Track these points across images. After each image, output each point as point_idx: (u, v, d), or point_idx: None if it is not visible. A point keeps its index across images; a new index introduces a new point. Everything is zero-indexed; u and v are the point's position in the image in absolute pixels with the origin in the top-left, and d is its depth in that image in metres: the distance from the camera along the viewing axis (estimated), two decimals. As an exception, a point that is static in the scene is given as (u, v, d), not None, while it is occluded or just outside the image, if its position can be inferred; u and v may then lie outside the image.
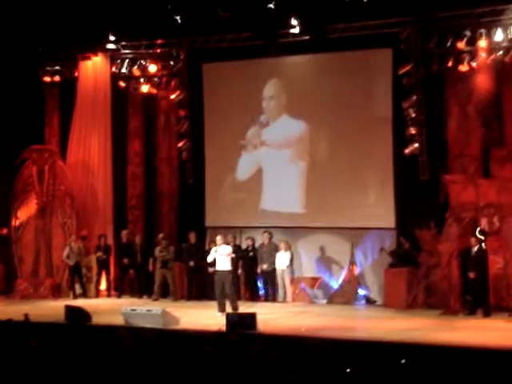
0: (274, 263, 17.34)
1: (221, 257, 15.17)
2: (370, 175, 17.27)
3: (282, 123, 18.16)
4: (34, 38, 18.64)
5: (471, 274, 14.84)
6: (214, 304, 16.60)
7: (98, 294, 18.41)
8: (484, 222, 15.19)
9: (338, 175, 17.59)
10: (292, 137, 18.03)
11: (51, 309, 15.84)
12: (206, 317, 14.93)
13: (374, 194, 17.16)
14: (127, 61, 19.09)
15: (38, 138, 19.59)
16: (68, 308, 14.36)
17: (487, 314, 14.63)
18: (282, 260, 17.28)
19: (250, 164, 18.41)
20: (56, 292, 18.47)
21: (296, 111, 17.97)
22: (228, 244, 15.88)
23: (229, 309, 14.98)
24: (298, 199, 17.91)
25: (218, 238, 15.41)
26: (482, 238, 15.07)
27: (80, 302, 16.04)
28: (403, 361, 8.69)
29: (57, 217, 18.89)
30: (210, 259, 15.53)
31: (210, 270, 17.34)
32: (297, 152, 17.98)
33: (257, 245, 17.66)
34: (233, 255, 15.59)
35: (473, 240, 14.92)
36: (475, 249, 14.90)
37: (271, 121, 18.23)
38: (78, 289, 18.26)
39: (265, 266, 17.41)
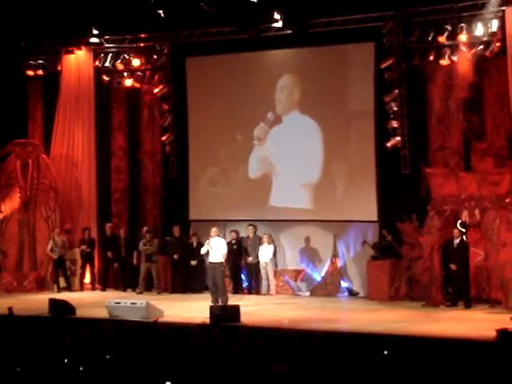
0: (258, 256, 17.46)
1: (214, 249, 15.22)
2: (353, 168, 17.37)
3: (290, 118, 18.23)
4: (17, 31, 18.56)
5: (453, 266, 14.97)
6: (198, 296, 16.73)
7: (82, 288, 18.39)
8: (465, 215, 15.29)
9: (321, 168, 17.68)
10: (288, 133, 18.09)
11: (35, 302, 15.83)
12: (190, 309, 14.99)
13: (357, 186, 17.25)
14: (111, 55, 19.05)
15: (22, 132, 19.54)
16: (52, 301, 14.37)
17: (468, 305, 14.78)
18: (265, 253, 17.38)
19: (256, 160, 18.38)
20: (40, 285, 18.44)
21: (278, 107, 18.05)
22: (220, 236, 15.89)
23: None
24: (281, 192, 17.97)
25: (213, 230, 15.42)
26: (463, 230, 15.20)
27: (64, 296, 16.00)
28: (385, 352, 8.76)
29: (40, 210, 18.86)
30: (203, 251, 15.57)
31: (193, 262, 17.47)
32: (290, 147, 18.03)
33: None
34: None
35: (455, 232, 15.04)
36: (457, 241, 15.03)
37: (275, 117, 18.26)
38: (62, 282, 18.21)
39: (250, 259, 17.51)
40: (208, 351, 8.53)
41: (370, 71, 17.02)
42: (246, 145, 18.38)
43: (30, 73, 19.51)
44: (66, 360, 8.34)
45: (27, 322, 12.83)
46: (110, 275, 18.59)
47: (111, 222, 18.95)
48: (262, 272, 17.44)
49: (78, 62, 19.28)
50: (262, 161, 18.26)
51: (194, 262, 17.46)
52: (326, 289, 17.10)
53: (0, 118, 18.73)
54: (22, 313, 14.16)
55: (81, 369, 8.06)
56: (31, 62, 19.39)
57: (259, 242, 17.48)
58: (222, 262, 15.25)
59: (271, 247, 17.38)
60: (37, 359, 8.35)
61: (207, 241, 15.40)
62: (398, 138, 16.64)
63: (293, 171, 17.82)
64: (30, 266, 18.77)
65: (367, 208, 17.08)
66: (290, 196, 17.88)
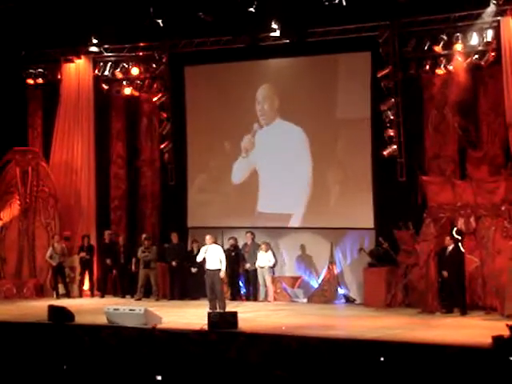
0: (256, 263, 17.57)
1: (210, 256, 15.33)
2: (349, 176, 17.50)
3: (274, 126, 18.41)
4: (18, 40, 18.70)
5: (445, 273, 15.10)
6: (196, 303, 16.82)
7: (81, 294, 18.51)
8: (461, 222, 15.37)
9: (319, 176, 17.82)
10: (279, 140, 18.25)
11: (34, 309, 15.94)
12: (188, 316, 15.09)
13: (353, 194, 17.38)
14: (110, 63, 19.22)
15: (22, 140, 19.69)
16: (51, 308, 14.44)
17: (463, 312, 14.88)
18: (263, 260, 17.49)
19: (241, 167, 18.58)
20: (39, 292, 18.54)
21: (275, 114, 18.22)
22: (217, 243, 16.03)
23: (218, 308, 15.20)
24: (279, 200, 18.09)
25: (208, 238, 15.55)
26: (459, 237, 15.31)
27: (63, 302, 16.06)
28: (382, 359, 8.83)
29: (40, 217, 18.97)
30: (199, 258, 15.68)
31: (193, 270, 17.57)
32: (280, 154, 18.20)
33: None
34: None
35: (447, 239, 15.18)
36: (450, 248, 15.15)
37: (265, 125, 18.43)
38: (61, 289, 18.33)
39: (247, 266, 17.63)
40: (206, 358, 8.60)
41: (367, 80, 17.17)
42: (242, 153, 18.51)
43: (30, 81, 19.71)
44: (64, 366, 8.40)
45: (26, 328, 12.91)
46: (109, 282, 18.71)
47: (110, 229, 19.08)
48: (260, 279, 17.56)
49: (77, 70, 19.43)
50: (254, 169, 18.40)
51: (194, 270, 17.52)
52: (323, 295, 17.21)
53: (0, 126, 18.86)
54: (22, 319, 14.30)
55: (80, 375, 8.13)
56: (31, 70, 19.59)
57: (257, 248, 17.61)
58: (219, 269, 15.34)
59: (269, 254, 17.47)
60: (36, 366, 8.42)
61: (203, 248, 15.53)
62: (395, 146, 16.79)
63: (288, 179, 17.96)
64: (29, 273, 18.85)
65: (364, 215, 17.21)
66: (286, 203, 18.00)
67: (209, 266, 15.44)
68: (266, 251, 17.48)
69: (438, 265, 15.33)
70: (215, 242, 15.79)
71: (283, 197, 18.00)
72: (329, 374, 7.96)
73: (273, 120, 18.31)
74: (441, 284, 15.38)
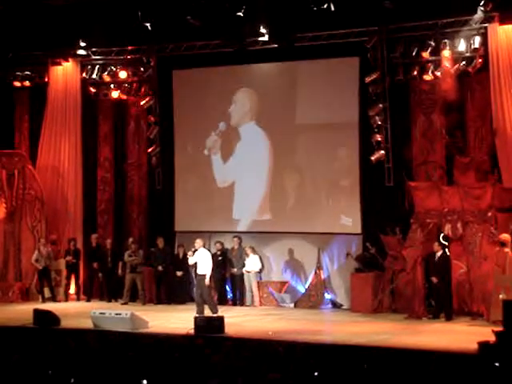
0: (243, 267, 17.59)
1: (200, 260, 15.30)
2: (337, 181, 17.53)
3: (249, 130, 18.37)
4: (5, 42, 18.66)
5: (434, 279, 15.14)
6: (183, 307, 16.81)
7: (67, 298, 18.45)
8: (447, 228, 15.43)
9: (307, 181, 17.84)
10: (261, 144, 18.26)
11: (20, 312, 15.88)
12: (174, 320, 15.07)
13: (341, 199, 17.41)
14: (97, 67, 19.16)
15: (8, 143, 19.65)
16: (37, 312, 14.42)
17: (449, 318, 14.93)
18: (250, 264, 17.50)
19: (224, 171, 18.56)
20: (25, 296, 18.49)
21: (264, 119, 18.20)
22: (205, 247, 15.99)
23: (209, 312, 15.14)
24: (267, 205, 18.10)
25: (197, 242, 15.51)
26: (446, 243, 15.37)
27: (49, 306, 16.02)
28: (368, 364, 8.83)
29: (26, 221, 18.90)
30: (191, 262, 15.64)
31: (179, 273, 17.57)
32: (266, 158, 18.22)
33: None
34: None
35: (436, 245, 15.23)
36: (438, 254, 15.20)
37: (238, 127, 18.43)
38: (46, 293, 18.27)
39: (234, 270, 17.64)
40: (192, 362, 8.59)
41: (355, 85, 17.20)
42: (226, 157, 18.49)
43: (17, 84, 19.64)
44: (50, 371, 8.38)
45: (11, 332, 12.87)
46: (95, 286, 18.66)
47: (97, 233, 19.04)
48: (246, 284, 17.57)
49: (65, 73, 19.39)
50: (240, 175, 18.38)
51: (179, 273, 17.56)
52: (310, 300, 17.24)
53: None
54: (7, 323, 14.24)
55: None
56: (18, 73, 19.50)
57: (244, 253, 17.61)
58: (205, 274, 15.29)
59: (255, 258, 17.51)
60: (21, 370, 8.38)
61: (192, 252, 15.48)
62: (382, 152, 16.83)
63: (275, 184, 17.96)
64: (14, 277, 18.77)
65: (351, 220, 17.20)
66: (273, 208, 18.01)
67: (198, 270, 15.39)
68: (253, 254, 17.47)
69: (427, 270, 15.37)
70: (203, 247, 15.75)
71: (268, 202, 17.98)
72: (315, 379, 7.97)
73: (259, 123, 18.27)
74: (428, 289, 15.42)
